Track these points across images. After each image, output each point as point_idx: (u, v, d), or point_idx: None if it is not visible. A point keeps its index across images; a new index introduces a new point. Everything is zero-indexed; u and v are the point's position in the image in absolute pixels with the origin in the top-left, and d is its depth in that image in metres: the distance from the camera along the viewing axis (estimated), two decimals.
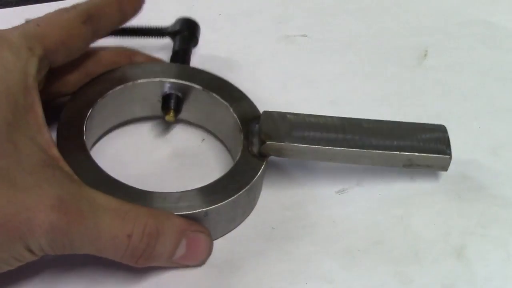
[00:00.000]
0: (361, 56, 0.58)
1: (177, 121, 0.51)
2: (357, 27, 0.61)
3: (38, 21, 0.44)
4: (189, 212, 0.42)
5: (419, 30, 0.61)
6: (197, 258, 0.43)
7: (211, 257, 0.44)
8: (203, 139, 0.51)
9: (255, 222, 0.46)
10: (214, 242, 0.44)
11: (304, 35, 0.60)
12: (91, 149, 0.48)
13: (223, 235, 0.45)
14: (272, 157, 0.46)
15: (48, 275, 0.42)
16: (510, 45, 0.59)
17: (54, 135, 0.43)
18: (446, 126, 0.48)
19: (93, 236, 0.38)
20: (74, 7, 0.45)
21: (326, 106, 0.54)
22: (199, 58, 0.56)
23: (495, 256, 0.45)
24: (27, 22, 0.44)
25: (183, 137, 0.51)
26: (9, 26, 0.44)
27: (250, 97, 0.49)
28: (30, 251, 0.38)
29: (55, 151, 0.41)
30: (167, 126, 0.52)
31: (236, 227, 0.46)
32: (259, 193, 0.47)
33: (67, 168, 0.41)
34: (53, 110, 0.46)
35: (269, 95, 0.51)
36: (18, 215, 0.37)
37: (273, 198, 0.47)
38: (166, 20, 0.56)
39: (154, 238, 0.40)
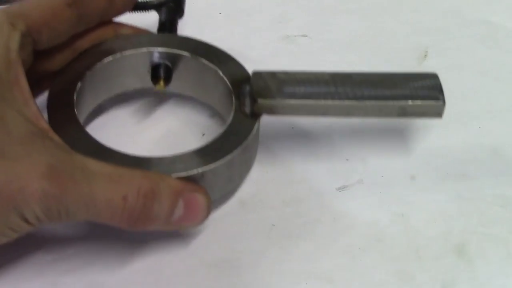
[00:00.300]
0: (361, 56, 0.58)
1: (169, 95, 0.51)
2: (357, 27, 0.61)
3: (21, 2, 0.44)
4: (185, 174, 0.42)
5: (419, 30, 0.61)
6: (195, 218, 0.42)
7: (211, 256, 0.44)
8: (203, 134, 0.51)
9: (256, 219, 0.46)
10: (210, 232, 0.44)
11: (304, 35, 0.60)
12: (83, 121, 0.48)
13: (221, 196, 0.45)
14: (270, 154, 0.46)
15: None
16: (510, 45, 0.59)
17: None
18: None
19: (88, 200, 0.38)
20: None
21: None
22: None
23: (495, 255, 0.45)
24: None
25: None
26: None
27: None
28: (26, 220, 0.38)
29: (43, 123, 0.41)
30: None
31: (233, 188, 0.46)
32: (254, 154, 0.47)
33: (56, 138, 0.41)
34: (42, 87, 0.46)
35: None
36: (10, 184, 0.37)
37: (274, 194, 0.47)
38: None
39: (150, 199, 0.40)
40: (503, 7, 0.63)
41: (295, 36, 0.60)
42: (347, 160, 0.50)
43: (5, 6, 0.45)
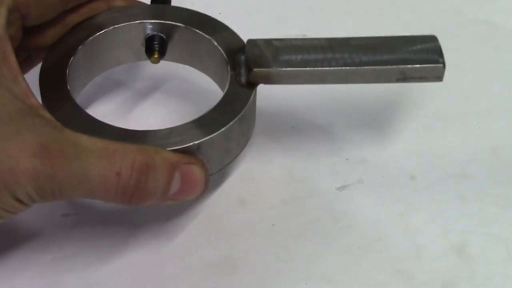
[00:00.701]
0: None
1: (163, 61, 0.50)
2: (357, 27, 0.61)
3: None
4: (181, 147, 0.41)
5: (419, 30, 0.60)
6: (193, 191, 0.41)
7: (211, 256, 0.44)
8: None
9: (256, 218, 0.46)
10: (210, 231, 0.44)
11: (304, 35, 0.59)
12: (76, 97, 0.47)
13: (219, 170, 0.44)
14: (270, 153, 0.46)
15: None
16: (510, 45, 0.59)
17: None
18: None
19: (81, 177, 0.38)
20: None
21: (326, 106, 0.54)
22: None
23: (495, 255, 0.45)
24: None
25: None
26: None
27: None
28: (19, 200, 0.37)
29: (33, 100, 0.40)
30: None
31: (231, 160, 0.45)
32: (252, 125, 0.46)
33: (47, 115, 0.40)
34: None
35: (269, 95, 0.51)
36: (0, 164, 0.36)
37: (274, 194, 0.47)
38: None
39: (145, 173, 0.39)
40: (503, 7, 0.63)
41: (295, 36, 0.60)
42: (347, 159, 0.50)
43: None
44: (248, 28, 0.60)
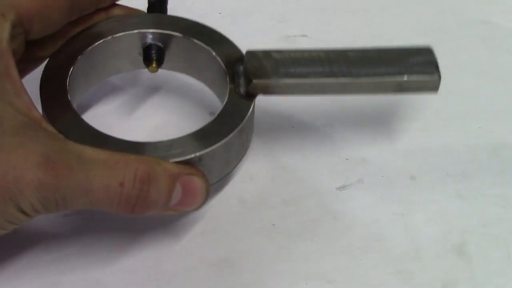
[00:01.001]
0: None
1: (161, 71, 0.51)
2: (357, 27, 0.61)
3: None
4: (182, 159, 0.42)
5: (419, 30, 0.61)
6: (194, 203, 0.42)
7: (211, 256, 0.44)
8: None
9: (256, 218, 0.46)
10: (210, 231, 0.44)
11: (304, 35, 0.60)
12: (76, 106, 0.47)
13: (219, 180, 0.45)
14: (270, 153, 0.46)
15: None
16: (510, 45, 0.59)
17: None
18: (432, 49, 0.47)
19: (85, 188, 0.38)
20: None
21: (326, 106, 0.54)
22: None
23: (495, 255, 0.45)
24: None
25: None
26: None
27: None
28: (23, 211, 0.38)
29: (36, 113, 0.40)
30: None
31: (230, 170, 0.45)
32: (251, 135, 0.46)
33: (50, 128, 0.40)
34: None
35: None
36: (5, 175, 0.37)
37: (274, 194, 0.47)
38: None
39: (147, 183, 0.39)
40: (503, 7, 0.63)
41: (295, 36, 0.60)
42: (347, 159, 0.50)
43: None
44: (248, 28, 0.60)
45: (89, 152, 0.39)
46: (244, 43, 0.58)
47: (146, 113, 0.52)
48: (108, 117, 0.51)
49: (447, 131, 0.52)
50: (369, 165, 0.49)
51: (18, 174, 0.37)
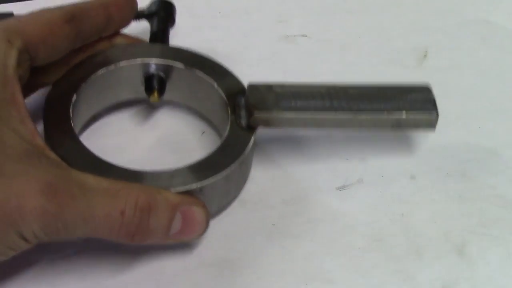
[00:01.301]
0: (361, 56, 0.58)
1: (163, 102, 0.51)
2: (357, 27, 0.61)
3: (19, 17, 0.44)
4: (183, 189, 0.42)
5: (419, 30, 0.61)
6: (194, 232, 0.42)
7: (211, 256, 0.44)
8: (203, 132, 0.51)
9: (256, 218, 0.46)
10: (210, 232, 0.44)
11: (304, 35, 0.60)
12: (79, 134, 0.48)
13: (219, 210, 0.45)
14: (270, 154, 0.46)
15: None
16: (510, 45, 0.60)
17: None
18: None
19: (87, 216, 0.38)
20: (59, 7, 0.45)
21: None
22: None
23: (495, 255, 0.45)
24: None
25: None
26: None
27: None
28: (24, 238, 0.38)
29: (39, 141, 0.41)
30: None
31: (231, 201, 0.46)
32: (250, 166, 0.47)
33: (53, 155, 0.41)
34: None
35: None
36: (8, 202, 0.37)
37: (274, 194, 0.47)
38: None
39: (147, 212, 0.40)
40: (503, 7, 0.63)
41: (294, 36, 0.60)
42: (347, 159, 0.50)
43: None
44: (248, 28, 0.60)
45: (91, 180, 0.39)
46: (244, 42, 0.59)
47: (153, 125, 0.52)
48: (115, 128, 0.51)
49: (447, 131, 0.51)
50: (369, 165, 0.49)
51: (20, 201, 0.37)
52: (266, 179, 0.48)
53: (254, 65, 0.57)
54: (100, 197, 0.39)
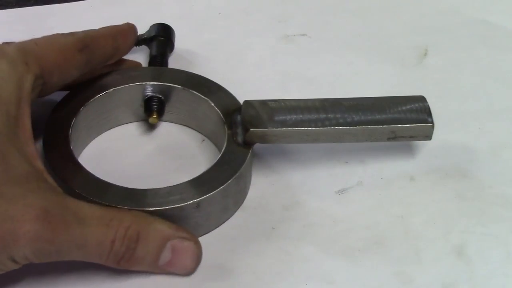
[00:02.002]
0: (361, 56, 0.58)
1: (161, 122, 0.52)
2: (357, 26, 0.61)
3: (36, 41, 0.45)
4: (181, 205, 0.43)
5: (419, 29, 0.61)
6: (183, 267, 0.43)
7: (211, 258, 0.44)
8: (203, 140, 0.51)
9: (255, 222, 0.46)
10: (210, 234, 0.44)
11: (304, 35, 0.60)
12: (79, 156, 0.48)
13: (217, 227, 0.46)
14: (270, 159, 0.46)
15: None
16: (510, 45, 0.59)
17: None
18: (426, 97, 0.49)
19: (79, 243, 0.39)
20: (71, 34, 0.46)
21: None
22: (198, 58, 0.56)
23: (495, 255, 0.45)
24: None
25: (168, 135, 0.51)
26: (9, 27, 0.44)
27: (250, 96, 0.49)
28: (14, 261, 0.38)
29: (39, 163, 0.41)
30: (150, 127, 0.52)
31: (229, 217, 0.46)
32: (249, 182, 0.48)
33: (50, 180, 0.42)
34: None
35: (269, 95, 0.51)
36: (2, 225, 0.37)
37: (273, 198, 0.47)
38: (165, 20, 0.56)
39: (134, 241, 0.40)
40: (503, 7, 0.63)
41: (294, 35, 0.60)
42: (347, 163, 0.50)
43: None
44: (248, 28, 0.60)
45: (86, 209, 0.40)
46: (244, 43, 0.59)
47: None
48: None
49: (446, 131, 0.51)
50: (368, 167, 0.49)
51: (16, 225, 0.37)
52: (266, 184, 0.48)
53: (254, 65, 0.57)
54: (94, 226, 0.40)
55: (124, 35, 0.49)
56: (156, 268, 0.42)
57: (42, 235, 0.38)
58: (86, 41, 0.46)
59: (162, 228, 0.42)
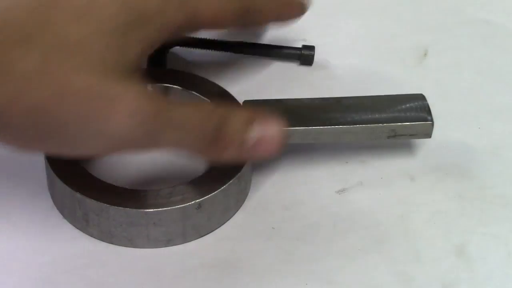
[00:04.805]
0: (361, 56, 0.58)
1: None
2: (357, 27, 0.61)
3: None
4: (183, 205, 0.43)
5: (419, 29, 0.61)
6: (269, 148, 0.42)
7: (211, 258, 0.44)
8: None
9: (255, 222, 0.46)
10: (211, 234, 0.45)
11: (304, 40, 0.59)
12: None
13: (219, 226, 0.46)
14: (269, 161, 0.46)
15: None
16: (510, 45, 0.59)
17: None
18: (425, 95, 0.49)
19: (179, 123, 0.39)
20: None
21: None
22: (197, 58, 0.56)
23: (495, 255, 0.45)
24: None
25: None
26: None
27: (250, 96, 0.49)
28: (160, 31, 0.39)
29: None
30: None
31: (231, 217, 0.46)
32: (250, 182, 0.48)
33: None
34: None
35: (269, 96, 0.51)
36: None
37: (274, 198, 0.47)
38: None
39: (225, 117, 0.40)
40: (503, 7, 0.63)
41: (294, 40, 0.60)
42: (347, 162, 0.50)
43: None
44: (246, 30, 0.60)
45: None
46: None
47: None
48: None
49: (446, 131, 0.52)
50: (369, 167, 0.49)
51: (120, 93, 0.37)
52: (266, 183, 0.48)
53: (254, 66, 0.57)
54: (191, 108, 0.40)
55: (291, 9, 0.49)
56: (243, 152, 0.41)
57: (146, 109, 0.37)
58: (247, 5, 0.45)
59: (245, 110, 0.42)
